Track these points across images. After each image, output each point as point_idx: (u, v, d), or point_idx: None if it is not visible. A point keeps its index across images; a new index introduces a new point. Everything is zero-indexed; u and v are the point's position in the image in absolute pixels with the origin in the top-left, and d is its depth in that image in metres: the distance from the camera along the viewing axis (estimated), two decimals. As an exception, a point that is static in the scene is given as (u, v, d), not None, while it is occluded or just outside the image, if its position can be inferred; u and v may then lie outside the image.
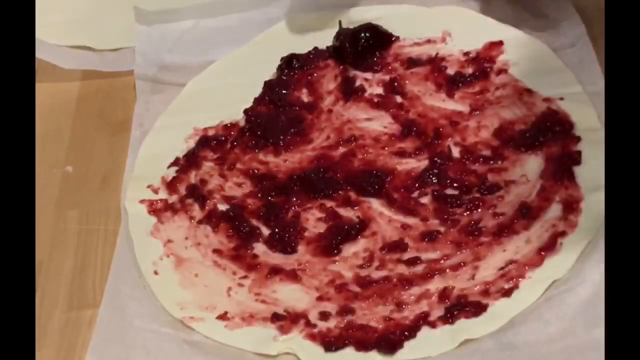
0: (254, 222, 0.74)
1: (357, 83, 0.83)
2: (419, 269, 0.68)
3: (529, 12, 0.85)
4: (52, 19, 0.96)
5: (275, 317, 0.66)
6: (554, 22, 0.84)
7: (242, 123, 0.83)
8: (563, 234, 0.67)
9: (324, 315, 0.66)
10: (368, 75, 0.84)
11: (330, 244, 0.71)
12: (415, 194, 0.73)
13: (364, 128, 0.80)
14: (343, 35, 0.85)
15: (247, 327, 0.66)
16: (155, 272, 0.71)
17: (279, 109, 0.83)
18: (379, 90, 0.82)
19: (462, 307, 0.64)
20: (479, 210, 0.71)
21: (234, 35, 0.91)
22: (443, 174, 0.74)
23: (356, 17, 0.90)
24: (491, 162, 0.74)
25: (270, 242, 0.72)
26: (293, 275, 0.69)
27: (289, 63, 0.86)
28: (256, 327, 0.66)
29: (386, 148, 0.77)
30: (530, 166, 0.73)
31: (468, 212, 0.71)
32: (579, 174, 0.71)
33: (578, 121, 0.74)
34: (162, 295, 0.70)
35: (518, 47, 0.82)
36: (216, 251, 0.72)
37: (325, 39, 0.88)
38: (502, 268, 0.66)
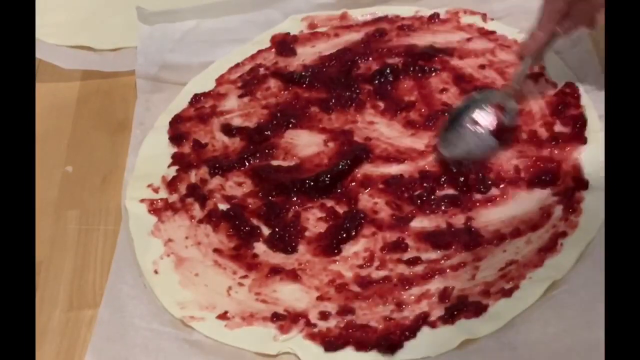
0: (255, 221, 0.74)
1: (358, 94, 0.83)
2: (419, 269, 0.68)
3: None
4: (52, 19, 0.96)
5: (275, 317, 0.66)
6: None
7: (242, 123, 0.83)
8: (563, 234, 0.67)
9: (324, 315, 0.66)
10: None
11: (330, 244, 0.71)
12: (417, 193, 0.73)
13: (366, 128, 0.80)
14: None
15: (247, 326, 0.66)
16: (156, 272, 0.71)
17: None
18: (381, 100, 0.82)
19: (462, 307, 0.64)
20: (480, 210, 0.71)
21: (234, 35, 0.91)
22: (444, 173, 0.74)
23: (356, 18, 0.90)
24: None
25: (271, 241, 0.72)
26: (293, 275, 0.69)
27: None
28: (256, 326, 0.66)
29: (388, 148, 0.77)
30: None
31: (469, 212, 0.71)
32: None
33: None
34: (162, 294, 0.70)
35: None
36: (216, 251, 0.72)
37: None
38: (502, 268, 0.66)
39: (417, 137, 0.78)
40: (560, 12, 0.72)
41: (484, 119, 0.72)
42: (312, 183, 0.75)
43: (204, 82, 0.88)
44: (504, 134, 0.71)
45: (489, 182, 0.72)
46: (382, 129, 0.79)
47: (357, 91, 0.82)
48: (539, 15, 0.74)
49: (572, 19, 0.73)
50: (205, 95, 0.86)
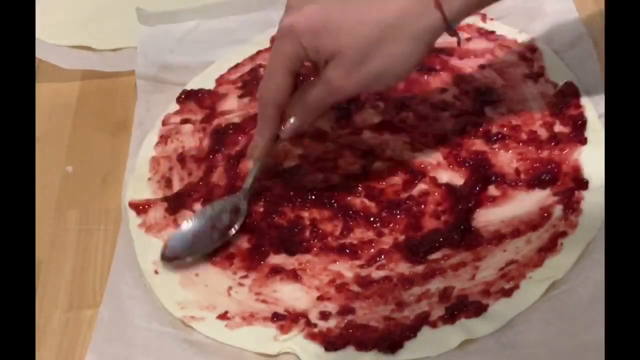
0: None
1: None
2: (420, 268, 0.68)
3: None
4: (52, 19, 0.96)
5: (275, 317, 0.66)
6: (555, 22, 0.84)
7: (242, 123, 0.83)
8: (563, 234, 0.67)
9: (325, 315, 0.66)
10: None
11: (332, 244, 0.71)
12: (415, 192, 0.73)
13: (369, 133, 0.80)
14: None
15: (247, 326, 0.66)
16: (156, 272, 0.71)
17: None
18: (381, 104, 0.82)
19: (462, 307, 0.64)
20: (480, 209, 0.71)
21: (234, 36, 0.91)
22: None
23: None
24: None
25: (277, 246, 0.72)
26: (293, 275, 0.69)
27: None
28: (256, 326, 0.66)
29: (393, 157, 0.77)
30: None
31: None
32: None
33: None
34: (162, 294, 0.70)
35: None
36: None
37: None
38: (502, 268, 0.66)
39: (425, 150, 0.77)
40: (272, 117, 0.70)
41: (214, 221, 0.73)
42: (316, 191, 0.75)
43: (204, 83, 0.88)
44: (226, 233, 0.72)
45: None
46: (385, 136, 0.79)
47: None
48: (258, 120, 0.71)
49: (289, 118, 0.70)
50: None
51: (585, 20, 0.83)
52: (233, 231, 0.72)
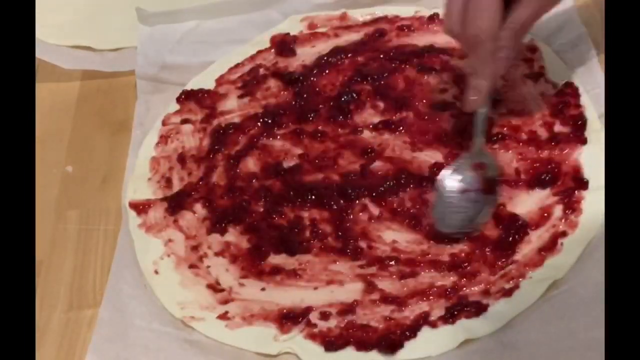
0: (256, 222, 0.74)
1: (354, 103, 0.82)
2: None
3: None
4: (52, 19, 0.96)
5: (275, 317, 0.66)
6: (555, 22, 0.84)
7: (242, 123, 0.83)
8: (563, 234, 0.67)
9: (325, 315, 0.66)
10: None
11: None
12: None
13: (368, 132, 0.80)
14: None
15: (247, 326, 0.66)
16: (156, 272, 0.71)
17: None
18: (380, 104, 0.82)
19: (462, 307, 0.64)
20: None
21: (234, 36, 0.91)
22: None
23: (356, 18, 0.90)
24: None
25: (277, 246, 0.72)
26: (293, 275, 0.69)
27: None
28: (257, 326, 0.66)
29: (393, 157, 0.77)
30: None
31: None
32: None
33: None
34: (162, 294, 0.70)
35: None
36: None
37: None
38: (502, 268, 0.66)
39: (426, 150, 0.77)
40: (493, 52, 0.67)
41: (469, 182, 0.70)
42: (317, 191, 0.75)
43: (204, 83, 0.88)
44: (492, 186, 0.70)
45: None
46: (385, 136, 0.79)
47: (354, 95, 0.82)
48: (473, 63, 0.69)
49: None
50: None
51: (585, 20, 0.83)
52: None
